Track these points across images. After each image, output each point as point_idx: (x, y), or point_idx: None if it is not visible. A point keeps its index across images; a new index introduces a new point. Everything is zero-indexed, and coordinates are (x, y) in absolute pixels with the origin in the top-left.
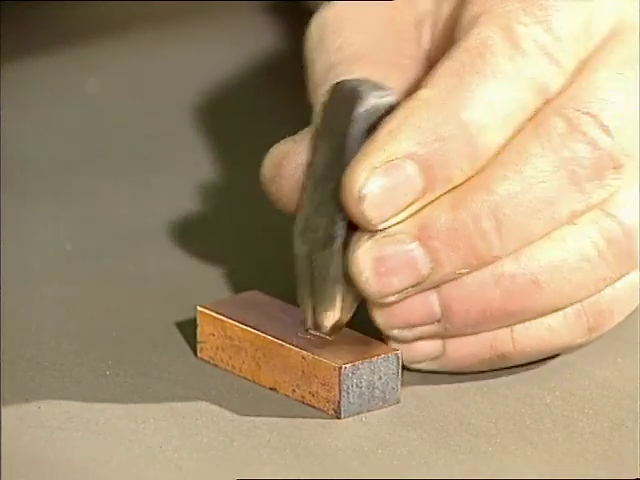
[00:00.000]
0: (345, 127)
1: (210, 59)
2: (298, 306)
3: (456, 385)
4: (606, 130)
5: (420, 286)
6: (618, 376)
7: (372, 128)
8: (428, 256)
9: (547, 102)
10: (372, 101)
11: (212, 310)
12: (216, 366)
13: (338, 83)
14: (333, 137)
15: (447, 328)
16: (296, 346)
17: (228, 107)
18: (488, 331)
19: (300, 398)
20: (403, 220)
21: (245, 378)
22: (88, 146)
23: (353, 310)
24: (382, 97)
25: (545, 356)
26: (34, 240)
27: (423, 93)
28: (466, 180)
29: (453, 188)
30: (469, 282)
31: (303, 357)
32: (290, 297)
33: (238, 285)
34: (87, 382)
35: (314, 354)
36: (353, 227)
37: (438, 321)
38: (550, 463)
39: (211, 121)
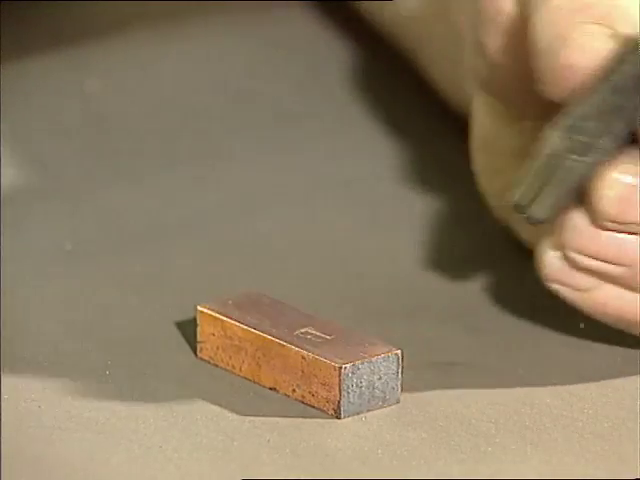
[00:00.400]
0: None
1: (210, 59)
2: (298, 306)
3: (456, 385)
4: None
5: None
6: (618, 376)
7: None
8: None
9: None
10: None
11: (212, 310)
12: (216, 366)
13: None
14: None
15: (626, 278)
16: (296, 346)
17: (228, 107)
18: None
19: (300, 398)
20: None
21: (245, 378)
22: (88, 146)
23: (553, 220)
24: None
25: None
26: (34, 240)
27: None
28: None
29: None
30: None
31: (303, 357)
32: (290, 297)
33: (238, 285)
34: (87, 382)
35: (314, 354)
36: (619, 149)
37: (623, 266)
38: (550, 463)
39: (211, 121)
